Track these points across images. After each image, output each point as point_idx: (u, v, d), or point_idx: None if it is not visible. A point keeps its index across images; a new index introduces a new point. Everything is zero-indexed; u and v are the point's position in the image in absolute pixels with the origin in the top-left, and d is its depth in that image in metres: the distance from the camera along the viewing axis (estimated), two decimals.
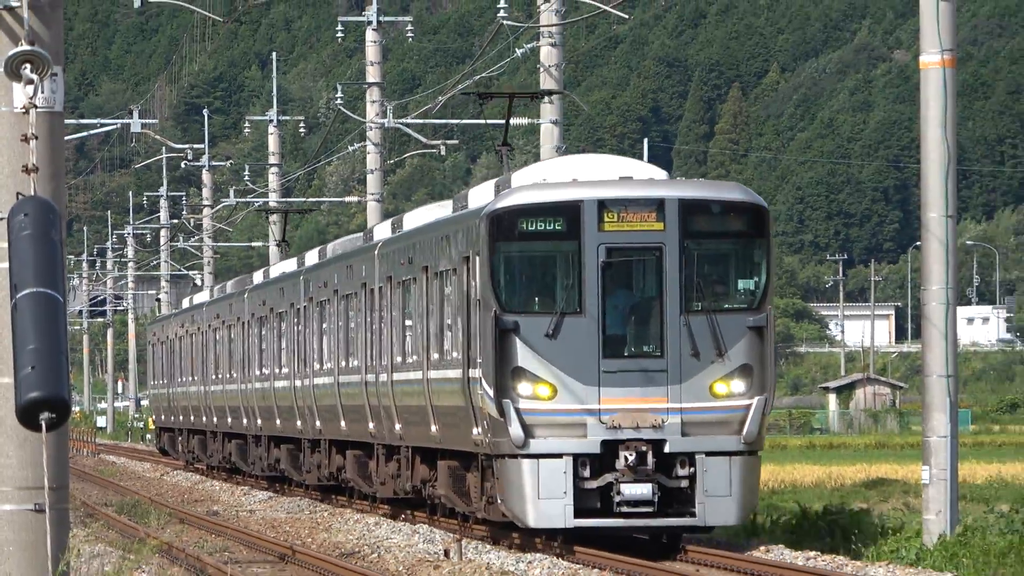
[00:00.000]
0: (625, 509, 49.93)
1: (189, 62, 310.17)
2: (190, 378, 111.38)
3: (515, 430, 50.65)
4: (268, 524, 73.23)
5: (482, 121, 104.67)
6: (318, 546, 62.22)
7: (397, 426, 64.72)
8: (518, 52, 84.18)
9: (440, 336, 58.83)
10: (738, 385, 51.33)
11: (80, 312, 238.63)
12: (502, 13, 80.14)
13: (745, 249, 53.18)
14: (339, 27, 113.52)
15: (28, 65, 21.87)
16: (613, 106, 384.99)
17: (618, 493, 49.70)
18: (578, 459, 50.21)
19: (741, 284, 53.17)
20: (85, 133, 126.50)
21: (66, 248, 21.71)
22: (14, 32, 21.97)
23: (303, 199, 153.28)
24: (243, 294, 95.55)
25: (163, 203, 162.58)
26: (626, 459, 49.48)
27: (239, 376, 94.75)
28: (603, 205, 52.07)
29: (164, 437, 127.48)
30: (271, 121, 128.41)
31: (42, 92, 21.97)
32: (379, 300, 67.03)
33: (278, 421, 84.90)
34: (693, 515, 50.30)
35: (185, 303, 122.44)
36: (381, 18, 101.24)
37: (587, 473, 50.21)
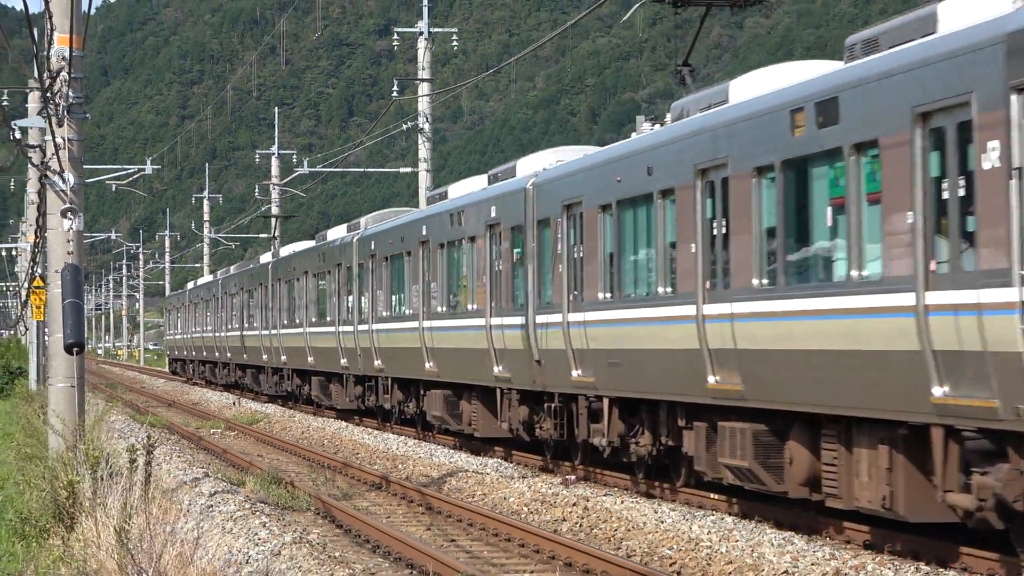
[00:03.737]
0: None
1: (132, 212, 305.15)
2: (205, 328, 70.97)
3: None
4: (164, 391, 72.12)
5: (252, 235, 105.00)
6: (183, 401, 61.26)
7: (497, 368, 28.30)
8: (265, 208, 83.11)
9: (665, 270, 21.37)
10: None
11: (90, 309, 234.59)
12: (257, 195, 78.64)
13: None
14: (193, 199, 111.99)
15: (69, 212, 21.71)
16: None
17: None
18: None
19: None
20: (92, 238, 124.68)
21: (83, 284, 21.60)
22: (64, 198, 21.73)
23: (237, 236, 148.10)
24: (266, 267, 54.50)
25: (124, 268, 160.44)
26: None
27: (267, 324, 53.69)
28: None
29: (176, 364, 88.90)
30: (167, 235, 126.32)
31: (75, 222, 21.79)
32: (489, 247, 29.07)
33: (310, 358, 46.14)
34: None
35: (190, 285, 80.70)
36: (209, 195, 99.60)
37: None
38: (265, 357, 54.39)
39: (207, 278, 77.51)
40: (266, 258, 57.90)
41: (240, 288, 60.70)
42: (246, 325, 59.00)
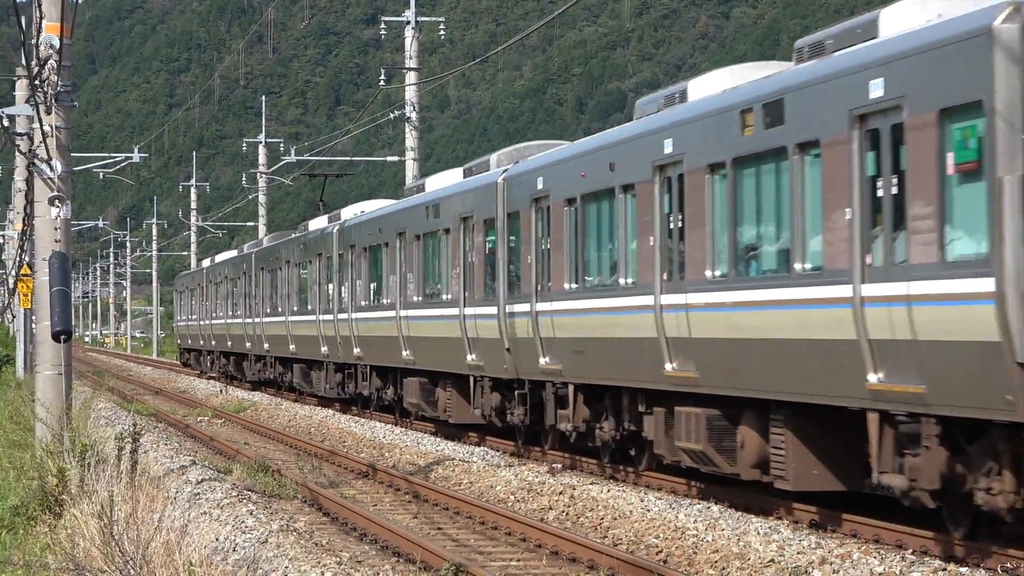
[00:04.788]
0: None
1: (119, 200, 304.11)
2: (230, 312, 58.67)
3: None
4: (152, 379, 71.94)
5: (240, 223, 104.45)
6: (171, 389, 61.18)
7: (669, 365, 19.75)
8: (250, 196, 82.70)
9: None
10: None
11: (78, 297, 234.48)
12: (245, 183, 78.19)
13: None
14: (180, 187, 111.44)
15: (57, 200, 21.67)
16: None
17: None
18: None
19: None
20: (80, 226, 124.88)
21: (71, 272, 21.56)
22: (52, 186, 21.69)
23: (237, 222, 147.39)
24: (328, 233, 41.51)
25: (111, 256, 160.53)
26: None
27: (327, 308, 41.70)
28: None
29: (189, 355, 74.52)
30: (154, 223, 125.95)
31: (63, 210, 21.74)
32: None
33: (406, 351, 33.83)
34: None
35: (206, 263, 69.37)
36: (196, 184, 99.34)
37: None
38: (324, 350, 41.97)
39: (230, 253, 64.89)
40: (318, 223, 45.07)
41: (284, 262, 47.88)
42: (294, 308, 46.29)
